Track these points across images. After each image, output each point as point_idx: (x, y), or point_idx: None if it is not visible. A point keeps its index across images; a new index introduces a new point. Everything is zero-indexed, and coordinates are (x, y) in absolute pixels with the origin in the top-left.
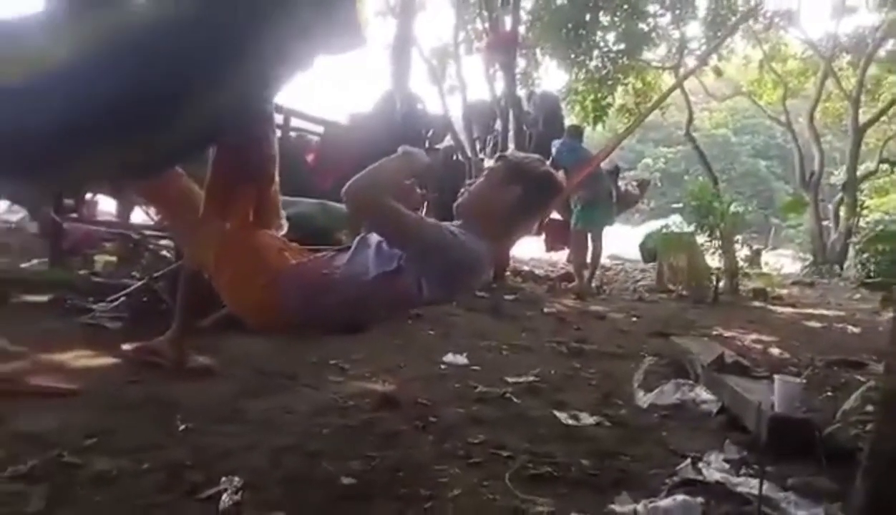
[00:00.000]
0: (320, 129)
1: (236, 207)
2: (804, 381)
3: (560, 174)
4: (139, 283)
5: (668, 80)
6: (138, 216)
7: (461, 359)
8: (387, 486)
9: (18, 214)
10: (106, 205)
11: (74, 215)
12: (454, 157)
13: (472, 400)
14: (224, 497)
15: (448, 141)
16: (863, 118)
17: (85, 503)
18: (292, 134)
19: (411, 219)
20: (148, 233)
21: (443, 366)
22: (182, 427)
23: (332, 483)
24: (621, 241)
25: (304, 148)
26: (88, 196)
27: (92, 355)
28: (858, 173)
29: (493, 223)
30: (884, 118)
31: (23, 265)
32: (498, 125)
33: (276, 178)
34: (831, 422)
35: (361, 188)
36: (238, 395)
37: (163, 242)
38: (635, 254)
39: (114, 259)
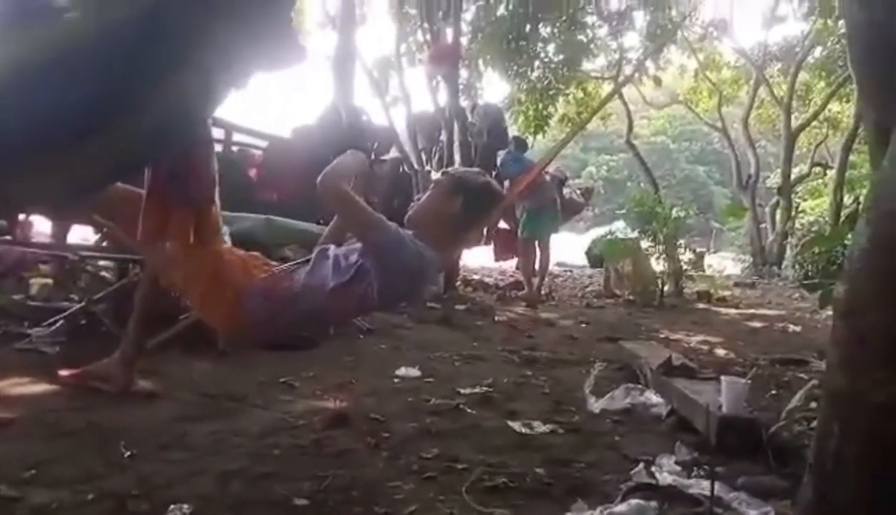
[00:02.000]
0: (263, 143)
1: (175, 228)
2: (750, 381)
3: (505, 184)
4: (77, 306)
5: (607, 89)
6: (75, 236)
7: (413, 372)
8: (340, 506)
9: None
10: (41, 226)
11: (8, 237)
12: (400, 169)
13: (425, 413)
14: None
15: (394, 152)
16: (795, 123)
17: None
18: (234, 148)
19: (375, 213)
20: (86, 254)
21: (395, 380)
22: (126, 454)
23: (283, 505)
24: (568, 248)
25: (247, 162)
26: (22, 216)
27: (29, 382)
28: (792, 177)
29: (440, 233)
30: (815, 123)
31: None
32: (443, 136)
33: (216, 199)
34: (777, 421)
35: (331, 180)
36: (183, 419)
37: (101, 263)
38: (582, 260)
39: (49, 281)
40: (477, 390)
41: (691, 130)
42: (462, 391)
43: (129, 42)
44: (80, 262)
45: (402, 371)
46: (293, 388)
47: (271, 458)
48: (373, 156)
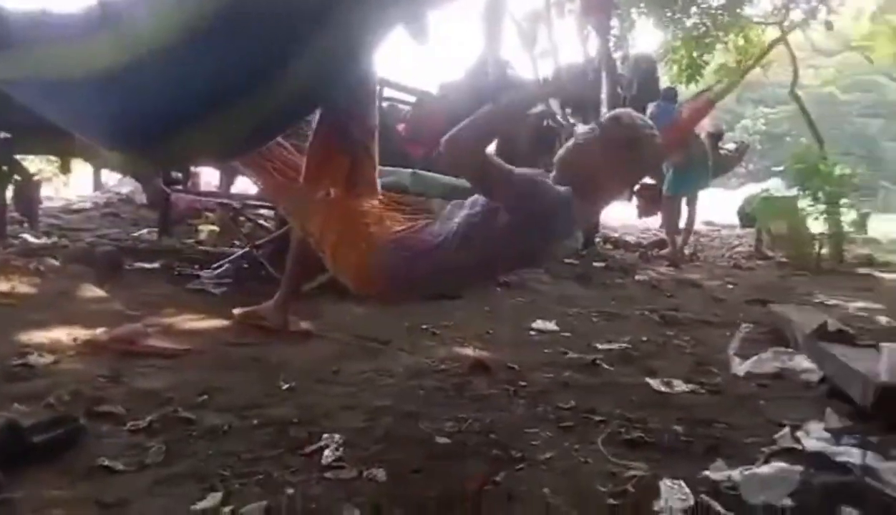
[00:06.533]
0: (412, 99)
1: (333, 176)
2: None
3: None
4: (241, 251)
5: (771, 36)
6: (239, 186)
7: (550, 326)
8: (480, 447)
9: (129, 186)
10: (209, 177)
11: (180, 187)
12: (546, 123)
13: (561, 366)
14: (326, 452)
15: (540, 106)
16: None
17: (199, 455)
18: (384, 104)
19: (503, 171)
20: (248, 203)
21: (532, 333)
22: (286, 386)
23: (427, 442)
24: (717, 206)
25: (396, 118)
26: (193, 169)
27: (199, 318)
28: None
29: (588, 181)
30: None
31: (133, 234)
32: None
33: (375, 150)
34: None
35: (458, 141)
36: (337, 357)
37: (262, 211)
38: (732, 219)
39: (216, 228)
40: (615, 346)
41: (865, 81)
42: (599, 346)
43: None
44: (243, 211)
45: (538, 324)
46: (435, 335)
47: (416, 398)
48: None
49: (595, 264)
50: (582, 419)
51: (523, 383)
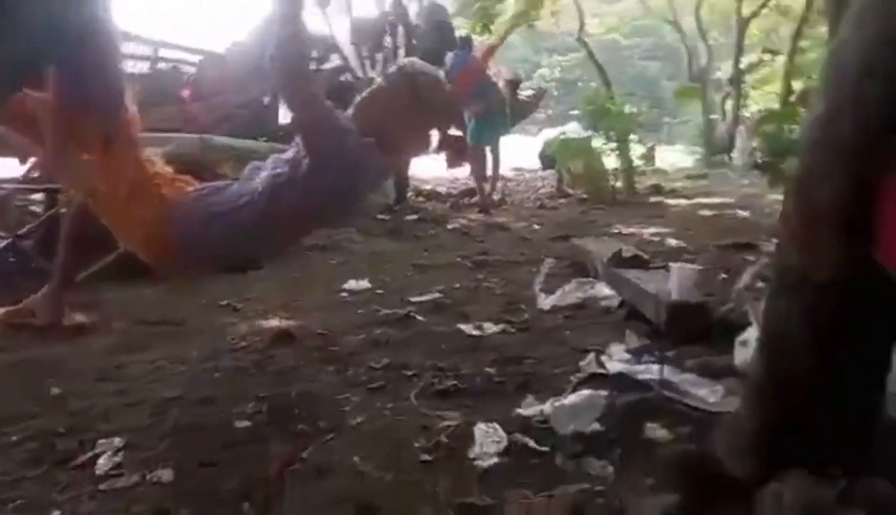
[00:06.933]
0: (196, 60)
1: (82, 138)
2: (699, 267)
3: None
4: (4, 243)
5: None
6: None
7: (363, 284)
8: (283, 424)
9: None
10: None
11: None
12: (342, 78)
13: (374, 324)
14: (101, 461)
15: (335, 61)
16: (746, 11)
17: None
18: (162, 65)
19: (326, 103)
20: (14, 186)
21: (344, 294)
22: (56, 391)
23: (223, 429)
24: (522, 152)
25: (179, 81)
26: None
27: None
28: (742, 66)
29: (382, 131)
30: (765, 10)
31: None
32: (387, 42)
33: (133, 111)
34: (726, 303)
35: (288, 56)
36: (120, 350)
37: (32, 196)
38: (536, 163)
39: None
40: (427, 297)
41: (643, 26)
42: (412, 299)
43: None
44: (8, 196)
45: (350, 284)
46: (236, 310)
47: (211, 383)
48: (312, 66)
49: (407, 218)
50: (394, 376)
51: (333, 348)
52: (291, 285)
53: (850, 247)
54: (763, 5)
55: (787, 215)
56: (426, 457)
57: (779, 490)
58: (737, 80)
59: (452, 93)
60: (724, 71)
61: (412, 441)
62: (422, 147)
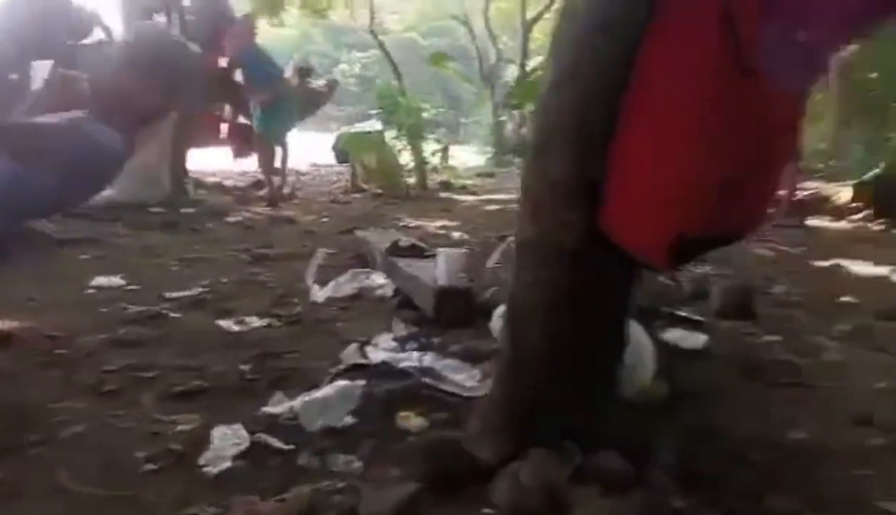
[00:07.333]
0: None
1: None
2: (465, 251)
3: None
4: None
5: None
6: None
7: (115, 281)
8: None
9: None
10: None
11: None
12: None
13: (120, 323)
14: None
15: (99, 35)
16: (530, 15)
17: None
18: None
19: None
20: None
21: (91, 291)
22: None
23: None
24: (319, 148)
25: None
26: None
27: None
28: (528, 68)
29: (121, 107)
30: (547, 15)
31: None
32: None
33: None
34: (491, 287)
35: None
36: None
37: None
38: (332, 159)
39: None
40: (188, 293)
41: (440, 27)
42: (170, 296)
43: None
44: None
45: (99, 280)
46: None
47: None
48: (74, 40)
49: (185, 210)
50: (131, 379)
51: (62, 351)
52: (29, 283)
53: (581, 218)
54: (546, 9)
55: (527, 188)
56: (150, 467)
57: (516, 470)
58: (522, 81)
59: (201, 57)
60: (510, 73)
61: (135, 450)
62: (165, 112)
